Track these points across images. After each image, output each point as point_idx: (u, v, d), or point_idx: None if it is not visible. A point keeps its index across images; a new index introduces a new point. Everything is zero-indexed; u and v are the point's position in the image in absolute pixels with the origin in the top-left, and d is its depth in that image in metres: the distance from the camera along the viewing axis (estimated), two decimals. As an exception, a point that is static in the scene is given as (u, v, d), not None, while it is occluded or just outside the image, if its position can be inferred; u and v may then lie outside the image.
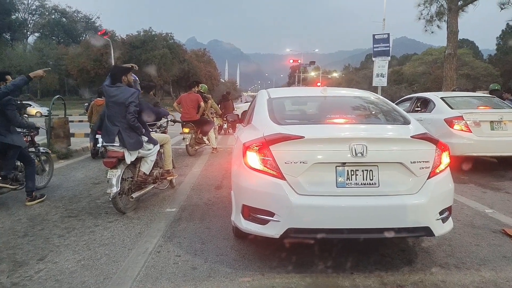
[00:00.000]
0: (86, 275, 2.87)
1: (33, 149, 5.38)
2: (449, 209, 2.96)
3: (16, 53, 47.01)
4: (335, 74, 78.77)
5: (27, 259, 3.16)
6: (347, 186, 2.76)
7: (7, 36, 60.15)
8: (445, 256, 3.22)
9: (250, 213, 2.91)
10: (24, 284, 2.75)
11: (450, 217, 3.01)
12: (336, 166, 2.77)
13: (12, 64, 45.09)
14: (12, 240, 3.60)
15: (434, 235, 2.80)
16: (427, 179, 2.83)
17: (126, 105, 4.25)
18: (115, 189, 4.13)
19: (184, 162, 7.96)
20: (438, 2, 15.57)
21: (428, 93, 8.48)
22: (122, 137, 4.27)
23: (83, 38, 66.76)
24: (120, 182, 4.23)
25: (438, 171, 2.89)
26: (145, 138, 4.54)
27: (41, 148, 5.68)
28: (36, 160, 5.27)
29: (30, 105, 27.81)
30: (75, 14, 72.00)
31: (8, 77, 4.63)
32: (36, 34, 66.94)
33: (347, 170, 2.77)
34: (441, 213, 2.84)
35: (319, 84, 47.41)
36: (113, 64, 30.31)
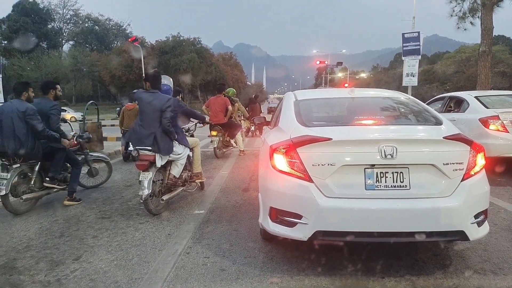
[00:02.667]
0: (119, 275, 2.96)
1: (81, 155, 5.70)
2: (484, 212, 2.85)
3: (52, 61, 49.11)
4: (363, 75, 77.46)
5: (63, 259, 3.29)
6: (377, 188, 2.71)
7: (43, 45, 63.02)
8: (481, 261, 3.10)
9: (277, 215, 2.90)
10: (61, 282, 2.86)
11: (486, 221, 2.89)
12: (365, 168, 2.72)
13: (48, 71, 47.20)
14: (50, 240, 3.76)
15: (469, 239, 2.70)
16: (461, 181, 2.74)
17: (162, 111, 4.37)
18: (146, 191, 4.24)
19: (212, 165, 8.05)
20: (471, -2, 15.04)
21: (461, 92, 8.19)
22: (157, 142, 4.37)
23: (115, 45, 69.05)
24: (151, 185, 4.34)
25: (473, 173, 2.79)
26: (175, 143, 4.64)
27: (101, 155, 6.32)
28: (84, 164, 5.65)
29: (65, 111, 28.97)
30: (107, 22, 74.62)
31: (58, 86, 5.10)
32: (71, 42, 69.88)
33: (377, 172, 2.72)
34: (476, 216, 2.74)
35: (346, 85, 46.70)
36: (143, 70, 31.10)
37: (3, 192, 4.36)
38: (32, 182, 4.75)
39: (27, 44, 48.40)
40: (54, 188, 5.02)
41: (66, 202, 5.00)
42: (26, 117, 4.46)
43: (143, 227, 4.10)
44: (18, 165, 4.55)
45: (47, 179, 4.94)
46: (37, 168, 4.78)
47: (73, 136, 5.42)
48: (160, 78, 4.69)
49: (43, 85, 5.08)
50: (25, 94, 4.68)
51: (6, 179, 4.42)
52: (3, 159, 4.57)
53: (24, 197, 4.60)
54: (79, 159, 5.46)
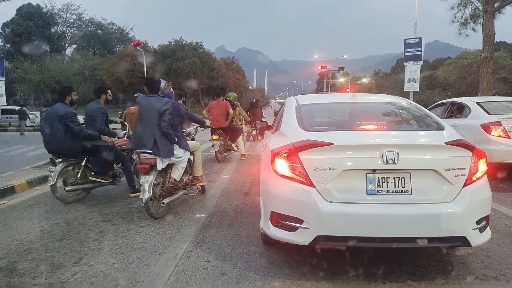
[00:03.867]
0: (120, 278, 2.95)
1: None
2: (486, 218, 2.84)
3: (55, 64, 49.31)
4: (364, 80, 77.57)
5: (64, 262, 3.29)
6: (378, 193, 2.70)
7: (46, 48, 63.36)
8: (483, 267, 3.08)
9: (278, 219, 2.90)
10: (61, 286, 2.86)
11: (488, 227, 2.88)
12: (366, 173, 2.72)
13: (51, 74, 47.36)
14: (50, 243, 3.76)
15: (471, 245, 2.69)
16: (463, 187, 2.73)
17: (161, 113, 4.39)
18: (147, 195, 4.24)
19: (213, 169, 8.05)
20: (473, 5, 15.06)
21: (463, 98, 8.19)
22: (157, 145, 4.39)
23: (117, 49, 69.32)
24: (152, 188, 4.34)
25: (475, 179, 2.78)
26: (175, 146, 4.64)
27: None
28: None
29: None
30: (110, 26, 74.92)
31: (109, 91, 5.69)
32: (74, 46, 70.16)
33: (378, 177, 2.71)
34: (478, 222, 2.73)
35: (348, 90, 46.79)
36: (145, 73, 31.20)
37: (51, 183, 5.06)
38: (78, 176, 5.28)
39: (35, 49, 48.79)
40: (99, 182, 5.44)
41: (132, 195, 5.46)
42: (65, 120, 4.98)
43: (144, 231, 4.09)
44: (61, 160, 5.14)
45: (92, 173, 5.39)
46: (83, 163, 5.28)
47: (124, 134, 5.98)
48: (157, 82, 4.76)
49: (97, 90, 5.78)
50: (68, 98, 5.22)
51: (53, 171, 5.08)
52: (51, 155, 5.23)
53: (67, 188, 5.20)
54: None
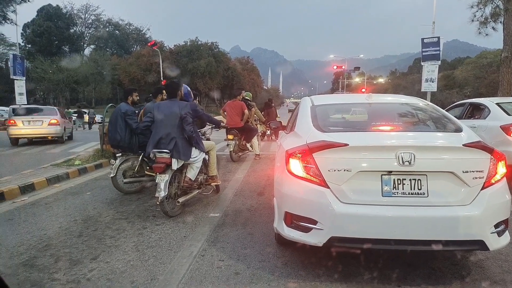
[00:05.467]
0: (135, 276, 3.00)
1: None
2: (505, 222, 2.78)
3: (74, 64, 50.29)
4: (381, 80, 76.64)
5: (81, 258, 3.36)
6: (394, 195, 2.68)
7: (65, 49, 64.67)
8: (501, 272, 3.02)
9: (292, 220, 2.90)
10: (79, 281, 2.92)
11: (507, 231, 2.82)
12: (381, 175, 2.70)
13: (69, 74, 48.37)
14: (68, 240, 3.84)
15: (489, 249, 2.64)
16: (481, 189, 2.68)
17: (182, 117, 4.46)
18: (163, 193, 4.29)
19: (227, 168, 8.09)
20: (493, 3, 14.72)
21: (482, 98, 8.01)
22: (178, 148, 4.46)
23: (134, 49, 70.29)
24: (168, 187, 4.39)
25: (493, 182, 2.73)
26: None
27: None
28: None
29: (85, 112, 29.69)
30: (127, 27, 76.12)
31: (164, 91, 5.74)
32: (92, 46, 71.49)
33: (394, 179, 2.69)
34: (496, 226, 2.68)
35: (363, 90, 46.33)
36: (161, 73, 31.54)
37: (112, 175, 5.55)
38: (136, 170, 5.69)
39: (55, 49, 49.75)
40: (154, 176, 5.50)
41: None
42: (126, 117, 5.56)
43: (159, 229, 4.15)
44: (120, 154, 5.65)
45: (148, 168, 5.62)
46: (140, 158, 5.65)
47: None
48: (177, 86, 4.82)
49: (155, 91, 6.03)
50: (130, 98, 5.90)
51: (113, 164, 5.61)
52: (113, 150, 5.86)
53: (125, 180, 5.69)
54: None
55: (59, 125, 13.90)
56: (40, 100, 56.28)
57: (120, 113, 5.59)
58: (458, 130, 3.10)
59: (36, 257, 3.39)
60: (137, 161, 5.70)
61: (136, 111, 5.79)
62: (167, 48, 57.00)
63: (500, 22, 13.78)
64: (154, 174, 5.32)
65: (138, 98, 6.02)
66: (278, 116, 15.04)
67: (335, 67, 50.75)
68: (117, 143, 5.64)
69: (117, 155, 5.69)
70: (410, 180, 2.68)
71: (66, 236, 3.94)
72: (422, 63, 15.80)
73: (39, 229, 4.18)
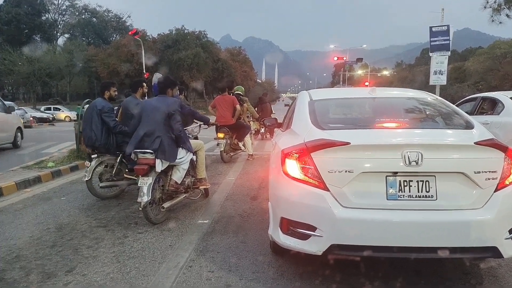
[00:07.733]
0: (115, 289, 2.99)
1: None
2: (521, 227, 2.81)
3: (46, 56, 49.81)
4: (385, 72, 77.11)
5: (55, 271, 3.33)
6: (400, 198, 2.70)
7: (37, 38, 64.03)
8: (517, 281, 3.06)
9: (289, 226, 2.91)
10: (53, 296, 2.91)
11: (523, 237, 2.85)
12: (386, 176, 2.71)
13: (41, 66, 47.90)
14: (41, 250, 3.81)
15: (503, 257, 2.67)
16: (494, 191, 2.71)
17: (169, 115, 4.47)
18: (146, 198, 4.27)
19: (217, 170, 8.09)
20: (508, -13, 14.87)
21: (496, 92, 8.10)
22: (163, 148, 4.45)
23: (114, 38, 69.86)
24: (151, 191, 4.37)
25: (508, 183, 2.75)
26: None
27: None
28: None
29: (59, 110, 29.41)
30: (106, 14, 75.60)
31: (144, 84, 6.02)
32: (66, 35, 70.98)
33: (399, 181, 2.70)
34: (511, 231, 2.70)
35: (367, 83, 46.57)
36: (143, 65, 31.40)
37: (86, 178, 5.45)
38: (113, 172, 5.65)
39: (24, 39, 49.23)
40: (133, 179, 5.51)
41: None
42: (102, 114, 5.42)
43: (142, 237, 4.13)
44: (96, 155, 5.55)
45: (127, 170, 5.59)
46: (118, 159, 5.63)
47: None
48: (169, 83, 4.92)
49: (133, 84, 6.15)
50: (107, 93, 5.75)
51: (88, 167, 5.50)
52: (88, 150, 5.67)
53: (101, 184, 5.61)
54: None
55: None
56: (9, 95, 55.71)
57: (96, 109, 5.47)
58: (469, 127, 3.12)
59: (5, 270, 3.35)
60: (115, 163, 5.66)
61: (115, 108, 5.75)
62: (150, 37, 56.76)
63: (515, 8, 13.92)
64: (134, 177, 5.29)
65: (116, 93, 5.91)
66: (273, 112, 15.06)
67: (335, 58, 50.86)
68: (92, 143, 5.54)
69: (92, 156, 5.59)
70: (417, 181, 2.70)
71: (38, 247, 3.91)
72: (431, 54, 15.93)
73: (8, 238, 4.14)
